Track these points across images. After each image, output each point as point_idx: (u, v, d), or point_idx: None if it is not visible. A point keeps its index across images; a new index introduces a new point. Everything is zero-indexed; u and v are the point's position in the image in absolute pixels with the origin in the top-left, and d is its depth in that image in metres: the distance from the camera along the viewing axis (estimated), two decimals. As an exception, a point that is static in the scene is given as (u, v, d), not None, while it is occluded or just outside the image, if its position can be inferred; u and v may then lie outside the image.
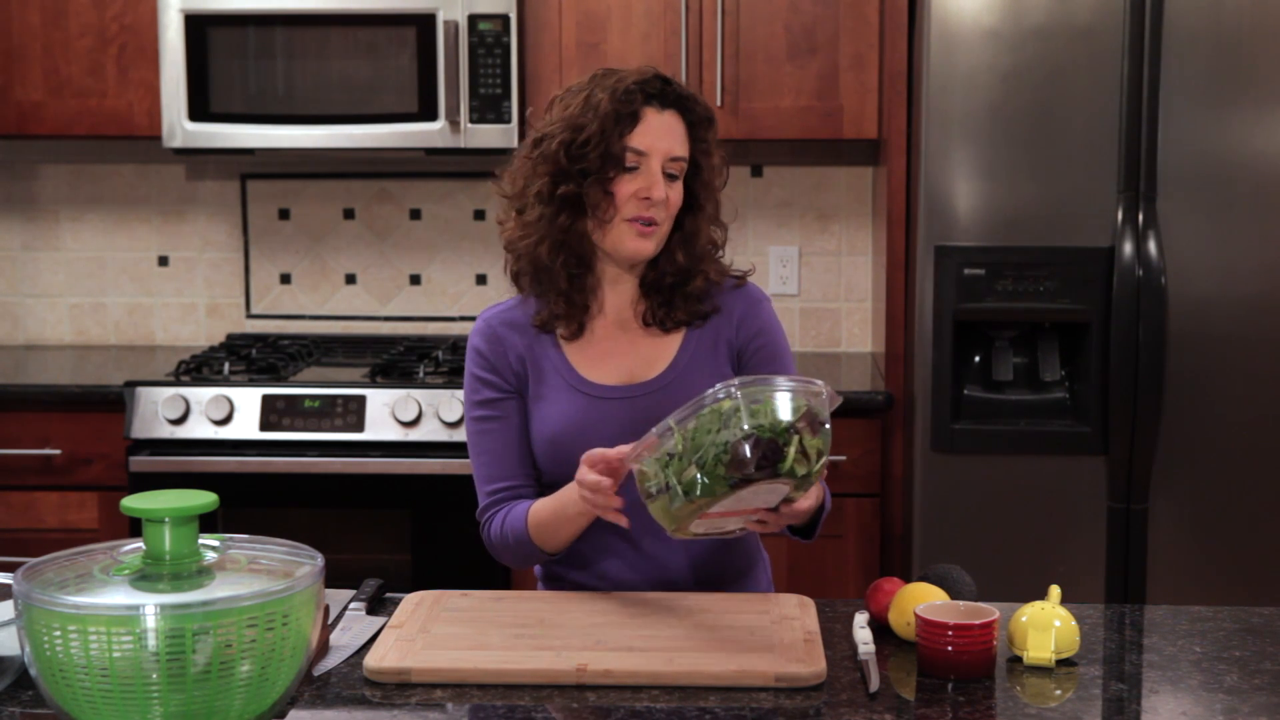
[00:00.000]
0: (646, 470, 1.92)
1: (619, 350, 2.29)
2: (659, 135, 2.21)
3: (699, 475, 1.86)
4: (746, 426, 1.84)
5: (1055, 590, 1.98)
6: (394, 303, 4.19)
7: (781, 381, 1.90)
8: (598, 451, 2.04)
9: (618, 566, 2.26)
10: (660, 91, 2.23)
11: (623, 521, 2.03)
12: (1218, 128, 3.24)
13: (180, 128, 3.70)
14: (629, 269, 2.28)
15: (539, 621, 2.03)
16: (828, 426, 1.89)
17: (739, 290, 2.33)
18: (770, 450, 1.84)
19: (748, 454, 1.84)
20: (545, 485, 2.29)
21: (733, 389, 1.88)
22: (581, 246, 2.24)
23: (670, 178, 2.22)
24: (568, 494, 2.15)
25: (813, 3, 3.68)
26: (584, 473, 2.05)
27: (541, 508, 2.22)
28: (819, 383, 1.92)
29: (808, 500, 1.97)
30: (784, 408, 1.86)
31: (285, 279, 4.19)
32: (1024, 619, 1.93)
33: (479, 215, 4.14)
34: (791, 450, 1.85)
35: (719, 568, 2.29)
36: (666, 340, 2.29)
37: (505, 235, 2.30)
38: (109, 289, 4.21)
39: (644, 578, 2.25)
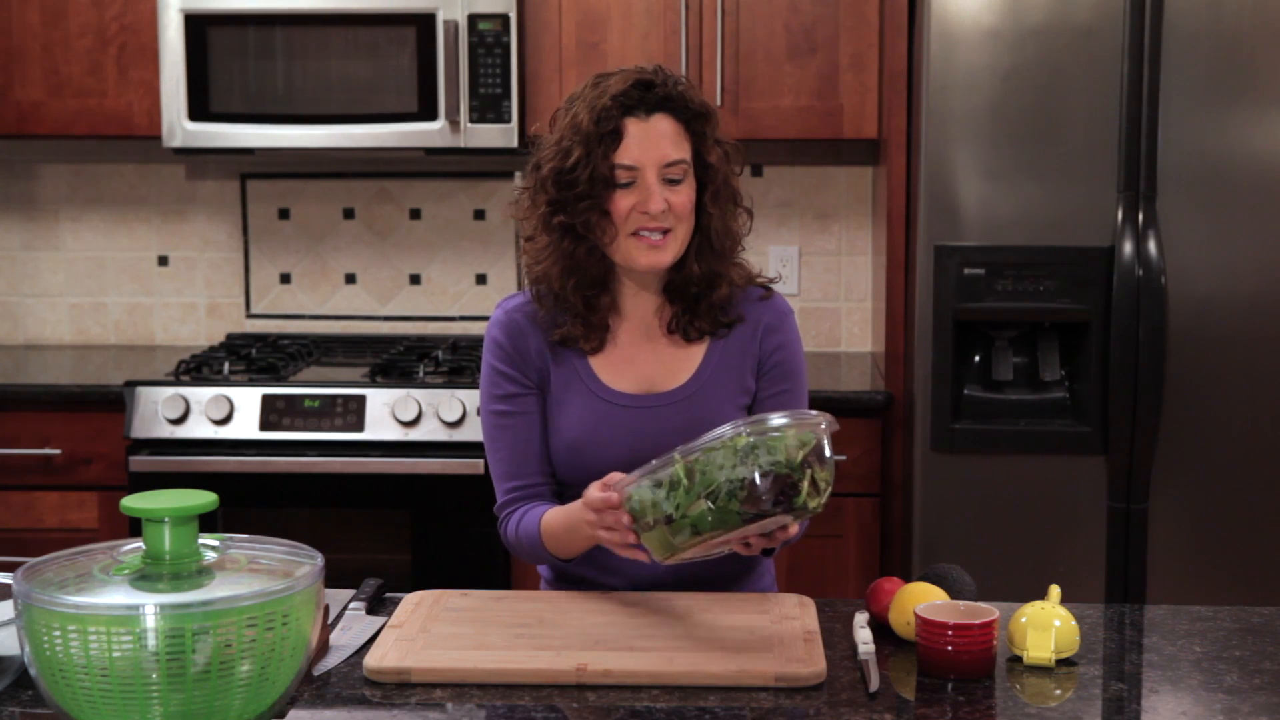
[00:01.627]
0: (644, 498, 1.91)
1: (642, 358, 2.27)
2: (646, 146, 2.17)
3: (709, 509, 1.87)
4: (765, 464, 1.85)
5: (1055, 590, 1.98)
6: (394, 302, 4.19)
7: (789, 418, 1.90)
8: (611, 477, 2.01)
9: (630, 565, 2.24)
10: (640, 99, 2.17)
11: (643, 558, 1.98)
12: (1218, 128, 3.24)
13: (180, 127, 3.70)
14: (654, 277, 2.25)
15: (539, 621, 2.03)
16: (832, 458, 1.91)
17: (766, 302, 2.30)
18: (786, 487, 1.86)
19: (765, 491, 1.85)
20: (561, 484, 2.28)
21: (743, 428, 1.88)
22: (594, 267, 2.22)
23: (672, 182, 2.18)
24: (579, 512, 2.10)
25: (813, 3, 3.68)
26: (591, 493, 2.01)
27: (554, 519, 2.19)
28: (816, 414, 1.93)
29: (795, 526, 1.97)
30: (796, 444, 1.88)
31: (285, 279, 4.19)
32: (1024, 619, 1.93)
33: (479, 215, 4.15)
34: (805, 485, 1.87)
35: (728, 567, 2.28)
36: (690, 350, 2.27)
37: (525, 260, 2.29)
38: (109, 289, 4.21)
39: (654, 574, 2.23)
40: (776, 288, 2.36)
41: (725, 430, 1.89)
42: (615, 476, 2.00)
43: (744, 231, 2.29)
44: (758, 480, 1.85)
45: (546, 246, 2.22)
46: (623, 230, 2.18)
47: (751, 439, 1.86)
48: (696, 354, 2.27)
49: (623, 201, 2.17)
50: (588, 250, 2.21)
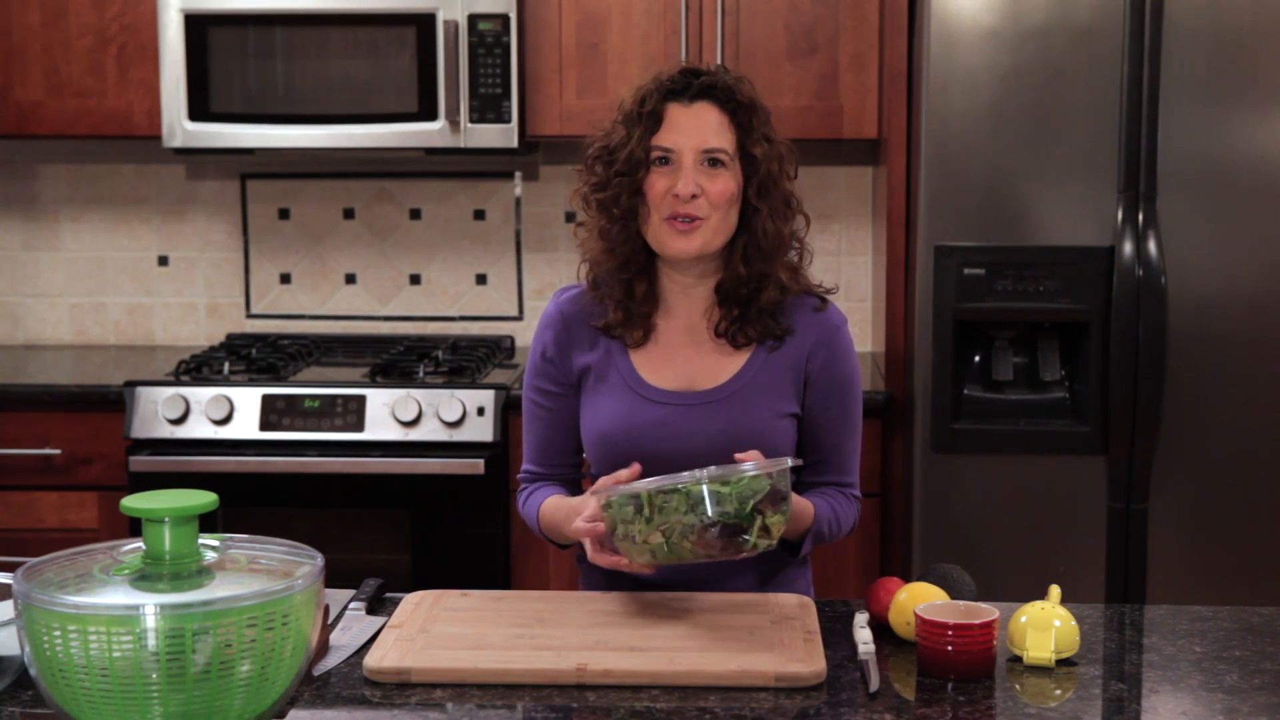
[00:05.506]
0: (617, 514, 1.99)
1: (684, 357, 2.27)
2: (686, 131, 2.18)
3: (664, 542, 1.96)
4: (711, 514, 1.93)
5: (1055, 590, 1.98)
6: (394, 303, 4.19)
7: (748, 467, 1.96)
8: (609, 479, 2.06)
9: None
10: (685, 85, 2.19)
11: (621, 564, 2.03)
12: (1218, 128, 3.24)
13: (180, 127, 3.70)
14: (699, 275, 2.25)
15: (539, 621, 2.03)
16: (789, 498, 1.99)
17: (819, 314, 2.28)
18: (735, 532, 1.95)
19: (715, 539, 1.94)
20: (595, 476, 2.28)
21: (700, 474, 1.94)
22: (632, 250, 2.23)
23: (713, 164, 2.18)
24: (571, 511, 2.16)
25: (813, 3, 3.68)
26: (584, 513, 2.06)
27: (549, 509, 2.25)
28: (779, 460, 1.99)
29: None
30: (748, 493, 1.95)
31: (285, 279, 4.19)
32: (1024, 619, 1.93)
33: (479, 215, 4.15)
34: (755, 530, 1.95)
35: (768, 566, 2.29)
36: (736, 356, 2.26)
37: (578, 242, 2.32)
38: (109, 289, 4.21)
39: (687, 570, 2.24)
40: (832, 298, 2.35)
41: (690, 475, 1.95)
42: (620, 475, 2.04)
43: (800, 235, 2.29)
44: (707, 530, 1.94)
45: (592, 227, 2.26)
46: (656, 213, 2.19)
47: (704, 488, 1.93)
48: (740, 359, 2.26)
49: (658, 183, 2.18)
50: (623, 230, 2.21)
